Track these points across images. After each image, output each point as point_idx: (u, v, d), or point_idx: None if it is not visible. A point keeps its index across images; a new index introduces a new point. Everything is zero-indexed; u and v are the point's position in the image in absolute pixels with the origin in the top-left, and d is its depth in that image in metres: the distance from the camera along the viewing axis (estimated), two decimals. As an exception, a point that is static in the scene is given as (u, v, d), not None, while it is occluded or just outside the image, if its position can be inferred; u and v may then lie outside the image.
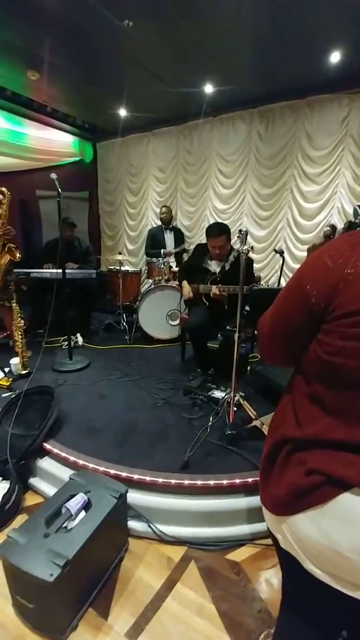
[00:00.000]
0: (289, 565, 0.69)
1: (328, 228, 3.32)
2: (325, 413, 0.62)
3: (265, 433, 1.87)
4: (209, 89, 3.78)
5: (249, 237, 4.52)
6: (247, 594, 1.43)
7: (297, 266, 4.08)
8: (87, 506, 1.43)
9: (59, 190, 2.57)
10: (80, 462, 1.78)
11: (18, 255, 2.85)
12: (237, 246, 2.58)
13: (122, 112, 4.54)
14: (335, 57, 3.14)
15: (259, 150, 4.23)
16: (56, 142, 5.23)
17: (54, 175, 2.53)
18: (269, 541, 1.63)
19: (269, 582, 1.48)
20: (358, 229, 0.82)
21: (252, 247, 1.63)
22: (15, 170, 5.19)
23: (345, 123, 3.66)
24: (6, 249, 2.85)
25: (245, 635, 1.27)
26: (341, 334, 0.58)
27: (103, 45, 3.08)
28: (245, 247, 1.57)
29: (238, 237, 1.59)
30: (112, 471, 1.70)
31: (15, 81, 3.84)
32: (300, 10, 2.52)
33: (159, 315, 3.59)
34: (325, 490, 0.59)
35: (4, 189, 2.75)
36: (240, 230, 1.59)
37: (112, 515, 1.41)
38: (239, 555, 1.59)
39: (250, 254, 1.76)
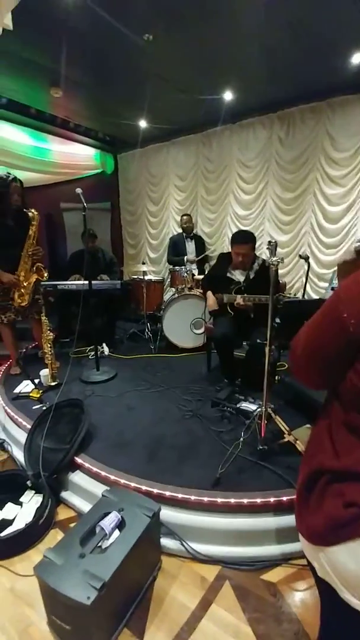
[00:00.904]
0: (327, 593, 0.69)
1: (359, 243, 3.19)
2: None
3: (299, 449, 1.82)
4: (228, 96, 3.77)
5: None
6: (284, 615, 1.38)
7: (322, 271, 4.02)
8: (120, 525, 1.42)
9: (85, 204, 2.62)
10: (112, 477, 1.78)
11: (45, 275, 2.94)
12: (263, 256, 2.57)
13: (142, 124, 4.60)
14: (357, 58, 3.06)
15: (280, 155, 4.17)
16: (79, 155, 5.37)
17: (79, 190, 2.59)
18: (304, 561, 1.58)
19: (305, 603, 1.43)
20: None
21: (282, 259, 1.59)
22: (41, 185, 5.38)
23: (370, 124, 3.55)
24: (35, 268, 2.92)
25: None
26: None
27: (123, 59, 3.13)
28: (276, 258, 1.53)
29: (268, 248, 1.56)
30: (144, 487, 1.69)
31: (39, 99, 3.98)
32: (319, 13, 2.47)
33: (183, 324, 3.58)
34: None
35: (33, 210, 2.84)
36: (269, 241, 1.56)
37: (145, 535, 1.40)
38: (274, 575, 1.55)
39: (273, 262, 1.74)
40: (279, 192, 4.26)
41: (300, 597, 1.45)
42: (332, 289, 3.32)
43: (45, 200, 5.15)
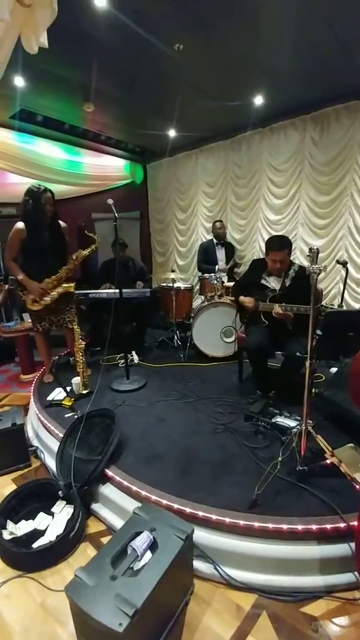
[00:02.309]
0: None
1: None
2: None
3: (344, 471, 1.67)
4: (259, 100, 3.70)
5: (306, 247, 4.30)
6: None
7: (361, 277, 3.80)
8: (152, 546, 1.36)
9: (116, 215, 2.66)
10: (143, 493, 1.73)
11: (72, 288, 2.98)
12: (298, 262, 2.45)
13: (172, 133, 4.63)
14: None
15: (314, 157, 4.02)
16: (109, 167, 5.51)
17: (110, 201, 2.62)
18: (349, 594, 1.45)
19: None
20: None
21: (324, 267, 1.48)
22: (73, 197, 5.56)
23: None
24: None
25: None
26: None
27: (154, 69, 3.16)
28: (317, 266, 1.43)
29: (308, 255, 1.46)
30: (176, 506, 1.62)
31: (73, 115, 4.12)
32: (357, 6, 2.35)
33: (213, 333, 3.50)
34: None
35: (61, 222, 2.94)
36: (310, 249, 1.46)
37: (178, 558, 1.32)
38: (316, 609, 1.41)
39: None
40: (312, 196, 4.10)
41: (346, 634, 1.31)
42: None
43: (77, 211, 5.31)
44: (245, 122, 4.23)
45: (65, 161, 4.87)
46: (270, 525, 1.50)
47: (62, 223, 2.96)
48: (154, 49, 2.78)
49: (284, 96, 3.65)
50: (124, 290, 3.63)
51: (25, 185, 2.95)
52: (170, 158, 5.42)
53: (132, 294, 3.52)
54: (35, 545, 1.67)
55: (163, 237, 5.88)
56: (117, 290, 2.98)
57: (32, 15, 1.22)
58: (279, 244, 2.48)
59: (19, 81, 3.20)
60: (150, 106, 3.93)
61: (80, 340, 2.87)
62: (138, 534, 1.38)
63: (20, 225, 2.77)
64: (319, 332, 1.73)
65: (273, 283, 2.63)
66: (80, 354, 2.85)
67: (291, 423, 2.11)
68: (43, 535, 1.72)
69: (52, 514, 1.85)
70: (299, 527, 1.49)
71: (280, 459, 1.69)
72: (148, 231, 6.10)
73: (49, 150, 4.64)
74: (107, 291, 3.53)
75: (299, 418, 2.17)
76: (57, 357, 3.70)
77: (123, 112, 4.15)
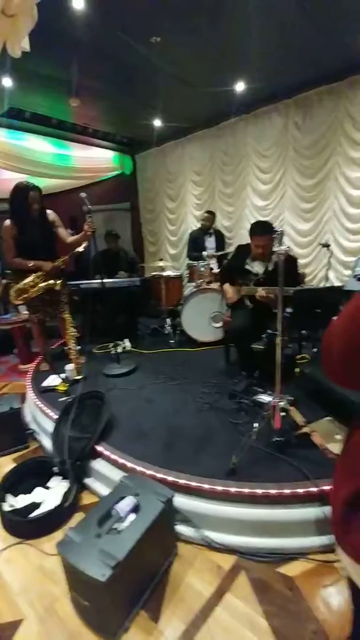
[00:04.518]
0: None
1: None
2: None
3: (316, 441, 1.78)
4: (240, 86, 3.72)
5: (293, 231, 4.35)
6: (302, 612, 1.35)
7: (348, 259, 3.87)
8: (136, 509, 1.48)
9: (89, 207, 2.70)
10: (129, 465, 1.85)
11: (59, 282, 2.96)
12: (288, 248, 2.49)
13: (157, 123, 4.65)
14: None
15: (297, 141, 4.05)
16: (98, 159, 5.54)
17: (83, 194, 2.68)
18: (324, 557, 1.55)
19: (325, 602, 1.38)
20: None
21: (288, 247, 1.56)
22: (64, 190, 5.59)
23: (394, 99, 3.36)
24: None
25: None
26: None
27: (134, 62, 3.20)
28: (283, 247, 1.51)
29: (274, 237, 1.54)
30: (159, 475, 1.74)
31: (59, 110, 4.16)
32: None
33: (201, 318, 3.60)
34: None
35: (48, 211, 2.95)
36: (275, 231, 1.54)
37: (159, 519, 1.44)
38: (291, 569, 1.52)
39: (294, 252, 1.67)
40: (298, 180, 4.14)
41: (320, 595, 1.41)
42: (356, 277, 3.17)
43: (68, 204, 5.34)
44: (229, 109, 4.25)
45: (54, 155, 4.91)
46: (246, 490, 1.62)
47: (50, 213, 2.96)
48: (130, 45, 2.83)
49: (265, 81, 3.67)
50: (113, 280, 3.74)
51: (18, 180, 2.96)
52: (158, 148, 5.44)
53: (122, 284, 3.61)
54: (32, 515, 1.79)
55: (154, 227, 5.94)
56: (107, 280, 3.06)
57: (15, 24, 1.28)
58: (262, 229, 2.54)
59: (6, 82, 3.27)
60: (134, 98, 3.96)
61: (72, 329, 2.97)
62: (123, 498, 1.51)
63: (7, 222, 2.79)
64: (289, 310, 1.82)
65: (257, 267, 2.70)
66: (73, 341, 2.95)
67: (270, 399, 2.21)
68: (39, 508, 1.85)
69: (48, 488, 1.97)
70: (272, 491, 1.60)
71: (254, 429, 1.79)
72: (139, 221, 6.15)
73: (39, 145, 4.68)
74: (97, 281, 3.61)
75: (283, 395, 2.29)
76: (51, 347, 3.81)
77: (108, 105, 4.19)
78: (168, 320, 3.95)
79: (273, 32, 2.85)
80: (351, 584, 0.71)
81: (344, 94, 3.66)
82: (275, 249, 1.55)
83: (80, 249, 2.88)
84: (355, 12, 2.65)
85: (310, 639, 1.27)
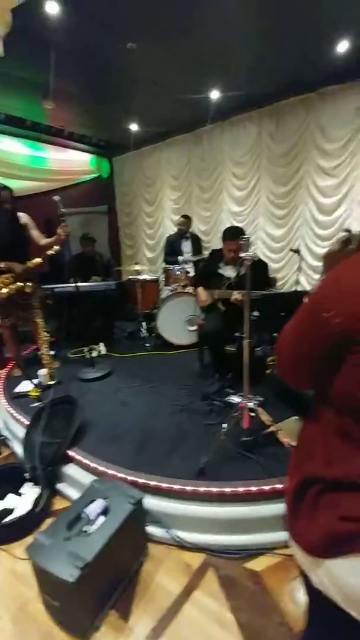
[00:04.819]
0: (319, 601, 0.65)
1: (344, 233, 3.17)
2: (358, 451, 0.57)
3: (282, 440, 1.86)
4: (215, 94, 3.81)
5: (266, 237, 4.47)
6: (267, 605, 1.40)
7: (317, 264, 4.02)
8: (106, 511, 1.50)
9: (63, 210, 2.70)
10: (100, 468, 1.86)
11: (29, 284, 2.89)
12: (258, 252, 2.58)
13: (134, 127, 4.69)
14: (343, 46, 3.06)
15: (271, 149, 4.19)
16: (74, 161, 5.50)
17: (56, 198, 2.68)
18: (289, 551, 1.60)
19: (290, 594, 1.44)
20: (350, 242, 0.75)
21: (254, 253, 1.63)
22: (39, 192, 5.52)
23: (360, 112, 3.54)
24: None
25: None
26: None
27: (110, 67, 3.23)
28: (249, 253, 1.58)
29: (241, 243, 1.60)
30: (130, 478, 1.76)
31: (33, 112, 4.12)
32: (301, 2, 2.49)
33: (177, 322, 3.64)
34: None
35: (21, 214, 2.91)
36: (242, 237, 1.61)
37: (129, 521, 1.47)
38: (258, 564, 1.58)
39: (269, 257, 1.74)
40: (271, 187, 4.28)
41: (285, 588, 1.46)
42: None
43: (44, 207, 5.28)
44: (205, 116, 4.33)
45: (29, 157, 4.84)
46: (214, 489, 1.67)
47: (23, 215, 2.91)
48: (108, 49, 2.86)
49: (240, 90, 3.77)
50: (88, 284, 3.73)
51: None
52: (136, 151, 5.47)
53: (98, 287, 3.60)
54: (4, 521, 1.77)
55: (131, 230, 5.96)
56: (82, 284, 3.05)
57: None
58: (233, 234, 2.62)
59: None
60: (111, 101, 3.98)
61: (45, 333, 2.94)
62: (93, 501, 1.52)
63: None
64: (255, 313, 1.90)
65: (229, 272, 2.77)
66: (46, 346, 2.92)
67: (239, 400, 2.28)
68: (12, 513, 1.83)
69: (20, 495, 1.95)
70: (240, 489, 1.66)
71: (223, 430, 1.85)
72: (116, 225, 6.15)
73: (13, 147, 4.60)
74: (72, 285, 3.59)
75: (252, 396, 2.36)
76: (24, 352, 3.75)
77: (84, 108, 4.19)
78: (144, 324, 3.97)
79: (246, 42, 2.95)
80: (304, 574, 0.72)
81: (314, 105, 3.82)
82: (242, 254, 1.61)
83: (52, 252, 2.85)
84: (324, 27, 2.79)
85: (275, 630, 1.32)
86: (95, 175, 5.86)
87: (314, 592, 0.67)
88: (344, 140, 3.68)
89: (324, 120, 3.79)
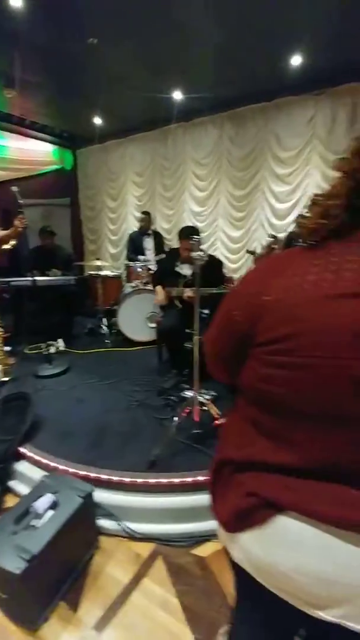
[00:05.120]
0: (240, 575, 0.71)
1: (270, 238, 3.39)
2: (261, 436, 0.62)
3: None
4: (178, 95, 3.87)
5: (226, 238, 4.60)
6: (211, 588, 1.48)
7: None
8: (55, 506, 1.50)
9: (21, 201, 2.64)
10: (52, 464, 1.86)
11: None
12: (217, 253, 2.66)
13: (98, 121, 4.62)
14: (296, 60, 3.24)
15: (231, 153, 4.32)
16: (36, 151, 5.30)
17: (15, 188, 2.61)
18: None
19: (231, 577, 1.55)
20: (275, 246, 0.83)
21: (204, 253, 1.71)
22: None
23: (312, 124, 3.77)
24: None
25: (206, 629, 1.33)
26: (265, 361, 0.58)
27: (72, 61, 3.19)
28: (199, 253, 1.65)
29: (191, 243, 1.67)
30: (81, 472, 1.78)
31: (-8, 98, 3.92)
32: (257, 18, 2.61)
33: (138, 318, 3.67)
34: (262, 513, 0.59)
35: None
36: (193, 237, 1.67)
37: (78, 514, 1.49)
38: (204, 550, 1.65)
39: (224, 257, 1.81)
40: (230, 190, 4.42)
41: (227, 571, 1.54)
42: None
43: (2, 198, 5.05)
44: (169, 115, 4.37)
45: (-15, 144, 4.60)
46: (164, 480, 1.73)
47: None
48: (69, 42, 2.81)
49: (202, 93, 3.85)
50: (47, 278, 3.64)
51: None
52: (100, 145, 5.38)
53: (57, 282, 3.53)
54: None
55: (94, 225, 5.87)
56: (43, 278, 2.98)
57: None
58: (187, 233, 2.70)
59: None
60: (74, 94, 3.91)
61: (-1, 329, 2.85)
62: (41, 496, 1.52)
63: None
64: (206, 311, 1.98)
65: (185, 270, 2.85)
66: (0, 342, 2.83)
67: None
68: None
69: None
70: (189, 479, 1.74)
71: (174, 423, 1.92)
72: (79, 218, 6.02)
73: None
74: (29, 279, 3.49)
75: (205, 391, 2.45)
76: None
77: (46, 98, 4.07)
78: (105, 320, 3.95)
79: (208, 48, 3.02)
80: (226, 551, 0.77)
81: (271, 114, 4.00)
82: (192, 254, 1.68)
83: (8, 246, 2.76)
84: (278, 41, 2.94)
85: (217, 612, 1.40)
86: (58, 166, 5.68)
87: (235, 567, 0.73)
88: (298, 149, 3.90)
89: (279, 129, 3.99)
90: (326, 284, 0.51)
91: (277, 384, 0.56)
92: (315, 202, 0.57)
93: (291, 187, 3.99)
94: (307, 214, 0.58)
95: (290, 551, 0.57)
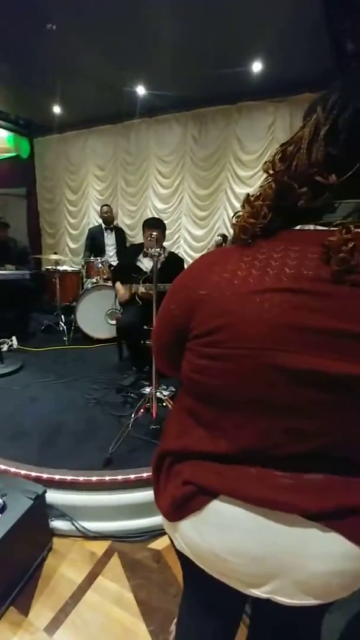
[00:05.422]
0: (184, 563, 0.73)
1: (219, 237, 3.51)
2: (198, 425, 0.64)
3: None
4: (141, 90, 3.82)
5: (189, 236, 4.66)
6: (166, 580, 1.49)
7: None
8: (2, 509, 1.43)
9: None
10: (2, 467, 1.76)
11: None
12: (181, 250, 2.67)
13: (57, 109, 4.44)
14: (257, 67, 3.34)
15: (194, 153, 4.37)
16: (-12, 136, 4.98)
17: None
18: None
19: None
20: (224, 245, 0.85)
21: (163, 249, 1.72)
22: None
23: (272, 130, 3.92)
24: None
25: (160, 620, 1.34)
26: (199, 353, 0.60)
27: (30, 46, 3.04)
28: (157, 249, 1.65)
29: (149, 240, 1.67)
30: (33, 474, 1.71)
31: None
32: (218, 22, 2.67)
33: (98, 315, 3.59)
34: (198, 499, 0.61)
35: None
36: (151, 234, 1.67)
37: (28, 516, 1.43)
38: (161, 543, 1.66)
39: (187, 255, 1.82)
40: (194, 188, 4.47)
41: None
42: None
43: None
44: (132, 110, 4.32)
45: None
46: (120, 477, 1.72)
47: None
48: (27, 26, 2.67)
49: (165, 90, 3.85)
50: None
51: None
52: (60, 135, 5.18)
53: (10, 276, 3.35)
54: None
55: (53, 218, 5.64)
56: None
57: None
58: (153, 222, 2.70)
59: None
60: (31, 80, 3.72)
61: None
62: (-13, 502, 1.44)
63: None
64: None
65: (147, 264, 2.83)
66: None
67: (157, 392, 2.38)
68: None
69: None
70: (144, 475, 1.74)
71: (132, 419, 1.91)
72: (37, 210, 5.75)
73: None
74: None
75: (165, 387, 2.47)
76: None
77: (1, 84, 3.81)
78: (62, 317, 3.82)
79: (170, 47, 3.02)
80: (171, 540, 0.79)
81: (233, 117, 4.10)
82: (150, 250, 1.68)
83: None
84: (239, 46, 3.01)
85: (171, 602, 1.42)
86: (13, 154, 5.38)
87: (179, 556, 0.76)
88: (259, 152, 4.03)
89: (241, 133, 4.10)
90: (253, 279, 0.54)
91: (209, 374, 0.58)
92: (247, 202, 0.60)
93: (252, 189, 4.06)
94: (240, 213, 0.60)
95: (225, 534, 0.60)
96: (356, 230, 0.48)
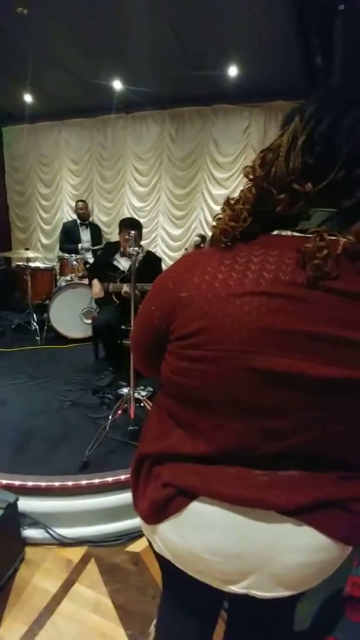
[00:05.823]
0: (163, 564, 0.74)
1: (197, 238, 3.55)
2: (178, 427, 0.64)
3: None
4: (118, 85, 3.75)
5: (166, 235, 4.65)
6: (144, 582, 1.47)
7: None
8: (-30, 521, 1.35)
9: None
10: (-31, 476, 1.67)
11: None
12: (159, 249, 2.64)
13: (28, 98, 4.25)
14: (233, 71, 3.38)
15: (172, 152, 4.35)
16: None
17: None
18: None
19: None
20: (202, 245, 0.85)
21: (141, 248, 1.69)
22: None
23: (247, 134, 3.98)
24: None
25: (139, 623, 1.32)
26: (180, 355, 0.60)
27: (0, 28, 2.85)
28: (135, 249, 1.62)
29: (127, 239, 1.64)
30: (4, 481, 1.63)
31: None
32: (196, 24, 2.67)
33: (72, 314, 3.49)
34: (178, 501, 0.61)
35: None
36: (129, 233, 1.64)
37: (-1, 527, 1.36)
38: (139, 546, 1.64)
39: (164, 255, 1.80)
40: (171, 187, 4.45)
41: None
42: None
43: None
44: (108, 104, 4.21)
45: None
46: (97, 481, 1.68)
47: None
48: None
49: (142, 87, 3.79)
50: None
51: None
52: (31, 125, 4.96)
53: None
54: None
55: (24, 212, 5.41)
56: None
57: None
58: (130, 223, 2.66)
59: None
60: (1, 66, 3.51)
61: None
62: None
63: None
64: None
65: (124, 263, 2.79)
66: None
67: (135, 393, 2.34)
68: None
69: None
70: (122, 477, 1.71)
71: (109, 421, 1.87)
72: (6, 203, 5.50)
73: None
74: None
75: (143, 387, 2.44)
76: None
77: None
78: (35, 316, 3.68)
79: (148, 44, 2.97)
80: (150, 545, 0.78)
81: (209, 118, 4.12)
82: (129, 249, 1.64)
83: None
84: (215, 49, 3.02)
85: (149, 604, 1.41)
86: (-20, 143, 5.11)
87: (158, 558, 0.75)
88: (234, 156, 4.08)
89: (217, 135, 4.13)
90: (233, 282, 0.54)
91: (190, 376, 0.59)
92: (227, 205, 0.60)
93: (228, 191, 4.16)
94: (220, 216, 0.61)
95: (204, 534, 0.61)
96: (330, 237, 0.50)
